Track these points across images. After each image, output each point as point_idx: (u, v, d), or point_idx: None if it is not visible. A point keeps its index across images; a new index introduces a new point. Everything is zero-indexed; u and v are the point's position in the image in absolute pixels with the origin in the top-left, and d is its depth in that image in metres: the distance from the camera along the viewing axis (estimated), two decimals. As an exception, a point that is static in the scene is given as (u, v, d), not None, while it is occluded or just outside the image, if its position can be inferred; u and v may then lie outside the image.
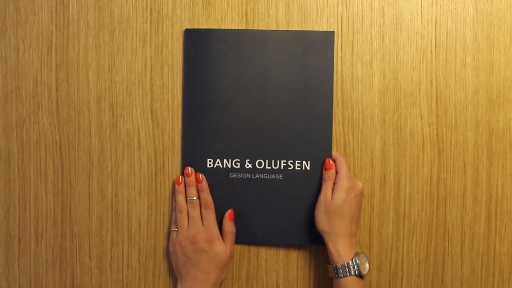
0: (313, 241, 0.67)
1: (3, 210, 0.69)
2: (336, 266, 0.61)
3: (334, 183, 0.64)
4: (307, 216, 0.67)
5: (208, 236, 0.64)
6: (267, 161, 0.67)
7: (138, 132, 0.68)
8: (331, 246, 0.62)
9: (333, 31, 0.66)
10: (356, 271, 0.60)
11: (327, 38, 0.66)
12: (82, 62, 0.68)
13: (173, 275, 0.69)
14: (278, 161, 0.67)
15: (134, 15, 0.68)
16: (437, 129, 0.67)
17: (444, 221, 0.68)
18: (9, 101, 0.69)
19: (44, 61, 0.68)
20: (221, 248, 0.64)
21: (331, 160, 0.66)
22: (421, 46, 0.67)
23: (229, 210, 0.67)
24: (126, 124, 0.68)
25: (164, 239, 0.69)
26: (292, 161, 0.67)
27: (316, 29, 0.67)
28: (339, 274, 0.60)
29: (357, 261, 0.60)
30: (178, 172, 0.68)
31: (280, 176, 0.67)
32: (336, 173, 0.65)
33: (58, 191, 0.69)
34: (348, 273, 0.60)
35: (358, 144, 0.68)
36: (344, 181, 0.63)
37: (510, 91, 0.67)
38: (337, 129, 0.67)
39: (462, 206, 0.68)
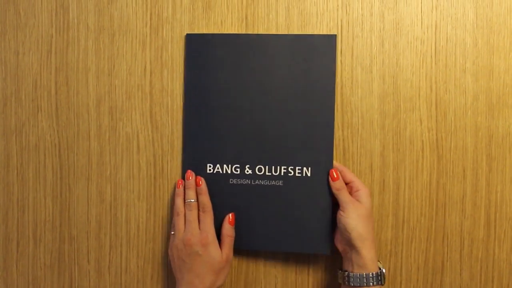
0: (313, 249, 0.66)
1: (1, 213, 0.69)
2: (366, 275, 0.59)
3: (355, 191, 0.63)
4: (307, 224, 0.66)
5: (202, 239, 0.62)
6: (267, 167, 0.66)
7: (137, 135, 0.68)
8: (365, 253, 0.60)
9: (335, 35, 0.66)
10: (381, 280, 0.60)
11: (329, 41, 0.66)
12: (82, 65, 0.68)
13: (171, 279, 0.69)
14: (278, 167, 0.66)
15: (134, 19, 0.68)
16: (436, 134, 0.67)
17: (443, 227, 0.67)
18: (8, 104, 0.69)
19: (43, 64, 0.68)
20: (216, 252, 0.63)
21: (333, 170, 0.65)
22: (421, 51, 0.67)
23: (230, 214, 0.66)
24: (125, 128, 0.68)
25: (162, 243, 0.69)
26: (292, 167, 0.66)
27: (316, 33, 0.67)
28: (369, 283, 0.59)
29: (383, 270, 0.60)
30: (178, 176, 0.68)
31: (280, 183, 0.66)
32: (347, 182, 0.64)
33: (57, 195, 0.69)
34: (376, 282, 0.59)
35: (357, 148, 0.68)
36: (366, 189, 0.63)
37: (509, 97, 0.67)
38: (337, 133, 0.67)
39: (461, 211, 0.67)
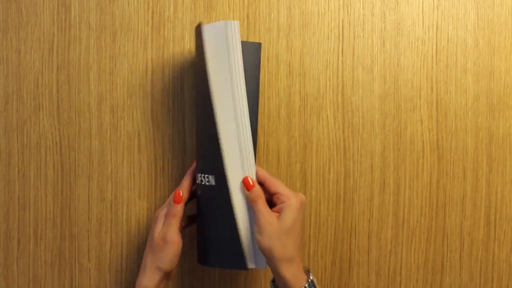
0: (229, 265, 0.59)
1: (2, 211, 0.69)
2: None
3: (280, 203, 0.56)
4: (219, 238, 0.58)
5: (157, 214, 0.59)
6: (198, 174, 0.60)
7: (139, 134, 0.68)
8: (284, 272, 0.53)
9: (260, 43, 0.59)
10: None
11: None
12: (83, 64, 0.68)
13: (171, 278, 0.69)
14: (198, 174, 0.60)
15: (135, 18, 0.68)
16: (437, 134, 0.67)
17: (443, 227, 0.68)
18: (10, 102, 0.69)
19: (45, 63, 0.68)
20: (157, 227, 0.58)
21: (249, 177, 0.56)
22: (422, 51, 0.67)
23: (176, 190, 0.59)
24: (126, 126, 0.68)
25: (163, 242, 0.69)
26: (202, 174, 0.59)
27: (317, 33, 0.67)
28: None
29: (314, 280, 0.55)
30: (178, 175, 0.68)
31: (199, 191, 0.60)
32: (272, 193, 0.56)
33: (58, 193, 0.69)
34: None
35: (358, 148, 0.68)
36: (293, 200, 0.55)
37: (510, 98, 0.67)
38: (337, 133, 0.67)
39: (461, 212, 0.68)
